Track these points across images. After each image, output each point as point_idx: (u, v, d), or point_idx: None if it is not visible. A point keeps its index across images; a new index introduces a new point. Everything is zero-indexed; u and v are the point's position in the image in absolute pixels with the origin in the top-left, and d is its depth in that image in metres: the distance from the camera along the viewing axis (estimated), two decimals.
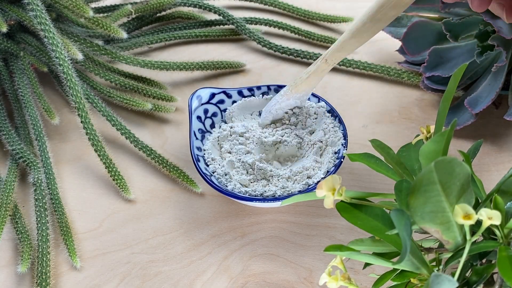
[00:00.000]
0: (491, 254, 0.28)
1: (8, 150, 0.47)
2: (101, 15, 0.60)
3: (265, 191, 0.41)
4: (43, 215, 0.42)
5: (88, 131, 0.45)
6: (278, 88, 0.48)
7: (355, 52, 0.58)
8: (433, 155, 0.27)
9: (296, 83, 0.45)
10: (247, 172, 0.43)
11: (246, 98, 0.48)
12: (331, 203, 0.30)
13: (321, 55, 0.56)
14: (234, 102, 0.48)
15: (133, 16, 0.60)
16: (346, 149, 0.43)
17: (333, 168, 0.41)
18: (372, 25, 0.38)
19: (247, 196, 0.41)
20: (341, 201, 0.30)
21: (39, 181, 0.44)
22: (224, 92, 0.48)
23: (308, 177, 0.42)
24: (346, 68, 0.55)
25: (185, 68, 0.55)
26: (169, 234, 0.43)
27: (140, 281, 0.40)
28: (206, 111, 0.47)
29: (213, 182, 0.41)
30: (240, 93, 0.48)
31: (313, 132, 0.46)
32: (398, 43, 0.54)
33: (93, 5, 0.60)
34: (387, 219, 0.29)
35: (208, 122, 0.47)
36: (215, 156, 0.45)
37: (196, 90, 0.47)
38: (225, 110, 0.48)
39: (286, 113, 0.46)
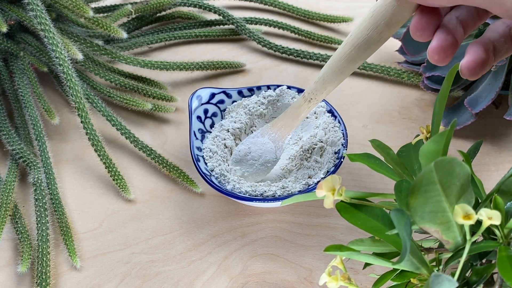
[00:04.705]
0: (491, 254, 0.28)
1: (8, 150, 0.47)
2: (101, 15, 0.60)
3: (265, 191, 0.41)
4: (43, 215, 0.42)
5: (88, 131, 0.45)
6: (278, 88, 0.48)
7: None
8: (433, 155, 0.27)
9: (274, 122, 0.44)
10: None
11: (245, 98, 0.48)
12: (331, 203, 0.30)
13: (320, 55, 0.56)
14: (234, 102, 0.48)
15: (133, 16, 0.60)
16: (346, 149, 0.43)
17: (333, 168, 0.41)
18: (353, 62, 0.36)
19: (247, 196, 0.41)
20: (341, 201, 0.30)
21: (39, 181, 0.44)
22: (224, 92, 0.48)
23: (308, 177, 0.42)
24: None
25: (185, 68, 0.55)
26: (169, 234, 0.43)
27: (140, 281, 0.40)
28: (206, 111, 0.47)
29: (213, 182, 0.41)
30: (240, 93, 0.48)
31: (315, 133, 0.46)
32: (398, 43, 0.54)
33: (93, 5, 0.60)
34: (387, 219, 0.29)
35: (208, 122, 0.47)
36: (214, 150, 0.44)
37: (196, 90, 0.47)
38: (225, 110, 0.48)
39: None
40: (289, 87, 0.48)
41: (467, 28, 0.33)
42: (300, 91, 0.47)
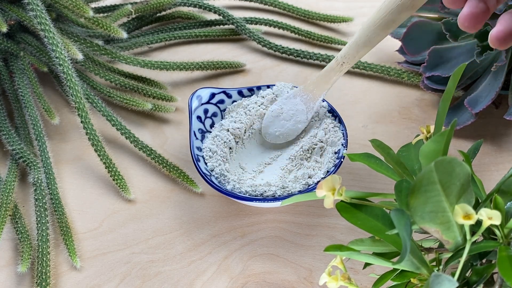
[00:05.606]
0: (491, 254, 0.28)
1: (8, 150, 0.47)
2: (101, 15, 0.60)
3: (265, 191, 0.41)
4: (43, 215, 0.42)
5: (88, 131, 0.45)
6: (273, 86, 0.48)
7: None
8: (433, 155, 0.27)
9: (307, 85, 0.45)
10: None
11: (245, 98, 0.48)
12: (331, 203, 0.30)
13: (320, 55, 0.56)
14: (234, 102, 0.48)
15: (133, 16, 0.60)
16: (346, 149, 0.43)
17: (333, 168, 0.41)
18: (386, 27, 0.38)
19: (247, 196, 0.41)
20: (341, 201, 0.30)
21: (39, 181, 0.44)
22: (224, 92, 0.48)
23: (308, 177, 0.42)
24: None
25: (185, 68, 0.55)
26: (169, 234, 0.43)
27: (140, 281, 0.40)
28: (206, 111, 0.47)
29: (213, 182, 0.41)
30: (240, 93, 0.48)
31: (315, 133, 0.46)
32: (398, 43, 0.54)
33: (93, 5, 0.60)
34: (387, 219, 0.29)
35: (208, 122, 0.47)
36: (214, 150, 0.44)
37: (196, 90, 0.47)
38: (225, 110, 0.48)
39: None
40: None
41: None
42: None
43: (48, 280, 0.39)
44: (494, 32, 0.32)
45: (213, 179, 0.42)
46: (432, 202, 0.25)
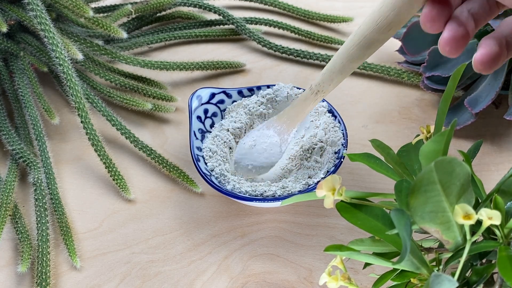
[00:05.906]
0: (491, 254, 0.28)
1: (8, 150, 0.47)
2: (101, 15, 0.60)
3: (265, 191, 0.41)
4: (43, 215, 0.42)
5: (88, 131, 0.45)
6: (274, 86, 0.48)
7: None
8: (433, 155, 0.27)
9: (280, 115, 0.44)
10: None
11: (245, 98, 0.48)
12: (331, 203, 0.30)
13: (320, 55, 0.56)
14: (234, 102, 0.48)
15: (133, 16, 0.60)
16: (346, 149, 0.43)
17: (333, 168, 0.41)
18: (362, 53, 0.36)
19: (247, 196, 0.41)
20: (341, 201, 0.30)
21: (39, 181, 0.44)
22: (224, 92, 0.48)
23: (308, 177, 0.42)
24: None
25: (185, 68, 0.55)
26: (169, 234, 0.43)
27: (140, 281, 0.40)
28: (206, 111, 0.47)
29: (213, 182, 0.41)
30: (240, 93, 0.48)
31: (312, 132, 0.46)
32: (398, 43, 0.54)
33: (93, 5, 0.60)
34: (387, 219, 0.29)
35: (208, 122, 0.47)
36: (214, 150, 0.44)
37: (196, 90, 0.47)
38: (225, 110, 0.48)
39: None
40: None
41: (478, 22, 0.32)
42: (297, 89, 0.47)
43: (48, 280, 0.39)
44: (478, 56, 0.31)
45: (213, 179, 0.42)
46: (432, 202, 0.25)
